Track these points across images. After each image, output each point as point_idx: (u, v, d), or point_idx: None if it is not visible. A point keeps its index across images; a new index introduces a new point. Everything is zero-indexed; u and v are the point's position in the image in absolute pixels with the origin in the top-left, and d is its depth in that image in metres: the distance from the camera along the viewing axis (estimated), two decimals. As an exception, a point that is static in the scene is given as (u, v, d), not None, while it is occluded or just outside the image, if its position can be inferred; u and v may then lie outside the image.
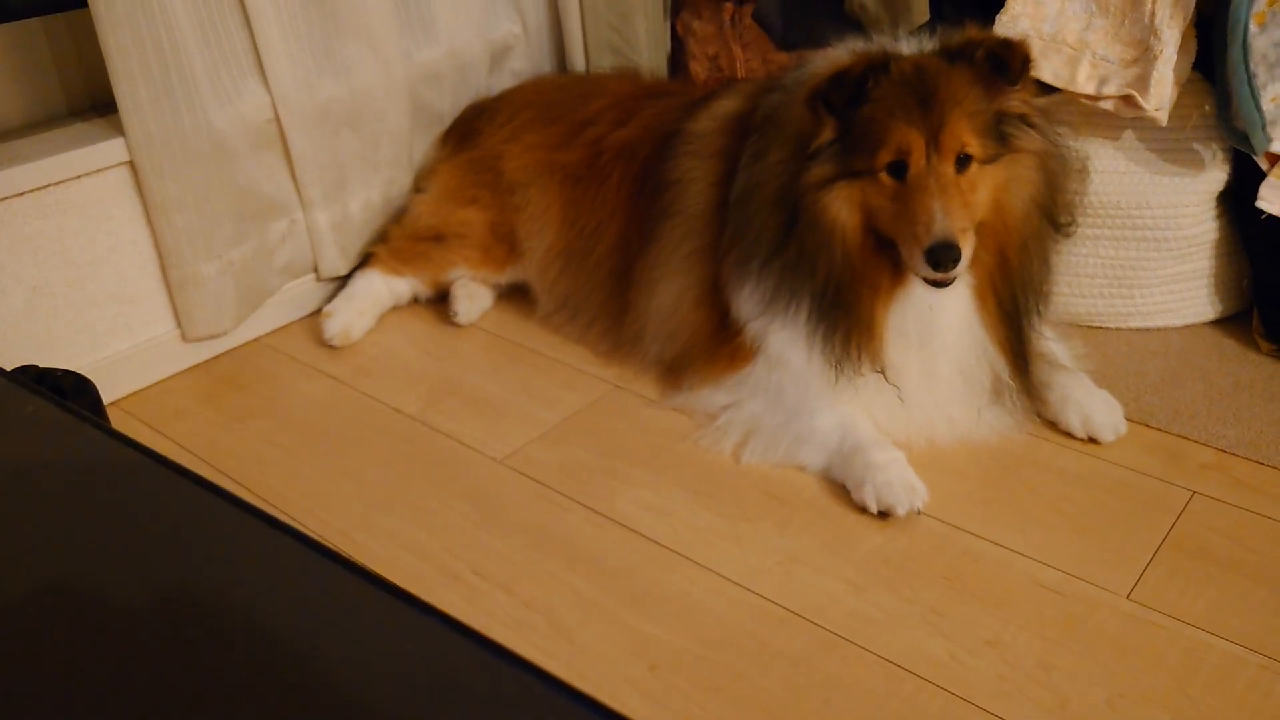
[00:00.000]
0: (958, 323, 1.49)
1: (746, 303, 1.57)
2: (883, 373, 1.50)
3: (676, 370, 1.73)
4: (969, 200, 1.38)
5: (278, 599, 0.55)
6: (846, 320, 1.47)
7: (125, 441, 0.65)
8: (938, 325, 1.49)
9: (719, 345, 1.63)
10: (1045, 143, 1.46)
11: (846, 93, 1.38)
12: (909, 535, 1.40)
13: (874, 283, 1.46)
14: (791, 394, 1.55)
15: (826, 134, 1.42)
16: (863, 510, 1.44)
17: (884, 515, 1.42)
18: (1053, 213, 1.49)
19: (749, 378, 1.60)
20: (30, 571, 0.58)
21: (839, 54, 1.45)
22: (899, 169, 1.38)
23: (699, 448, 1.60)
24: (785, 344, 1.54)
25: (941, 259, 1.33)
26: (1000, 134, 1.42)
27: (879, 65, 1.38)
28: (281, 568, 0.57)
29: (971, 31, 1.41)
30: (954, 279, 1.40)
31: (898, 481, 1.42)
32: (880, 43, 1.47)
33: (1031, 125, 1.44)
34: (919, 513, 1.42)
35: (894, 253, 1.42)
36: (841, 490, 1.49)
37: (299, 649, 0.52)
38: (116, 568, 0.58)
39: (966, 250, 1.36)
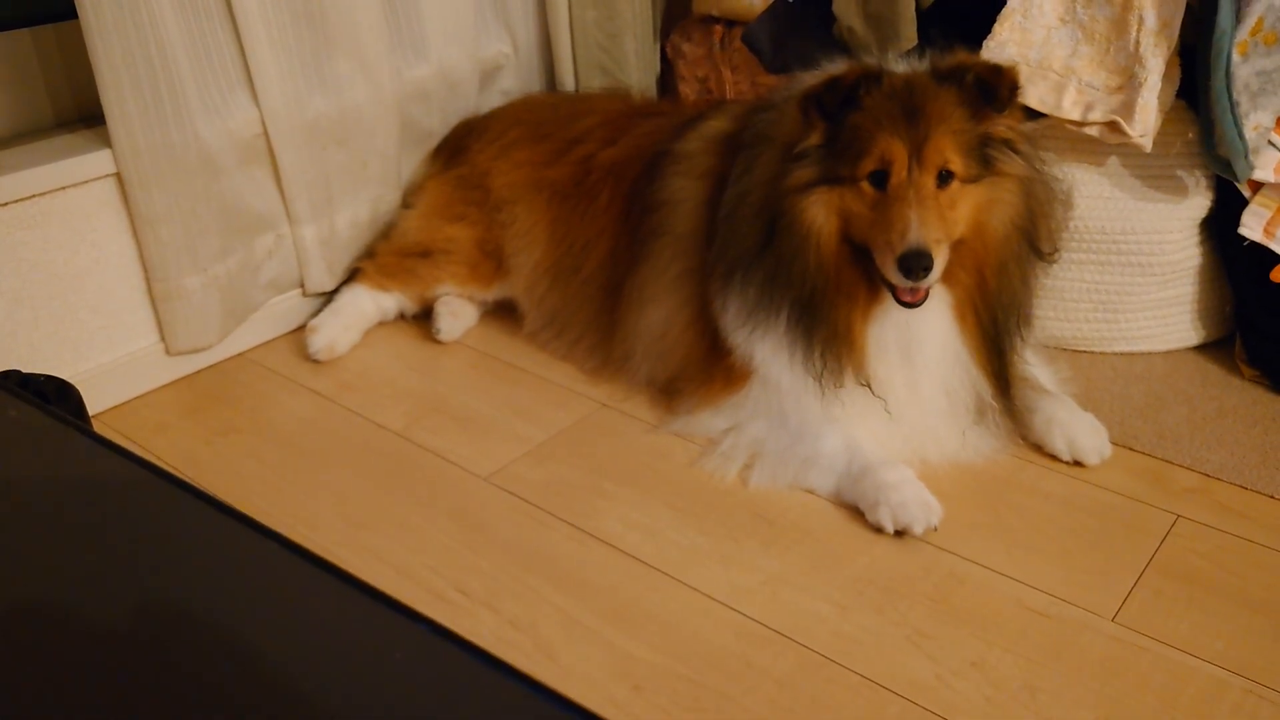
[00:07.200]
0: (938, 340, 1.50)
1: (731, 313, 1.57)
2: (868, 385, 1.50)
3: (670, 393, 1.73)
4: (946, 215, 1.40)
5: (261, 604, 0.55)
6: (824, 330, 1.48)
7: (108, 446, 0.65)
8: (918, 341, 1.49)
9: (712, 367, 1.63)
10: (1029, 169, 1.47)
11: (839, 96, 1.40)
12: (895, 557, 1.40)
13: (851, 293, 1.47)
14: (794, 417, 1.55)
15: (814, 138, 1.44)
16: (878, 531, 1.43)
17: (900, 535, 1.42)
18: (1034, 238, 1.50)
19: (747, 400, 1.59)
20: (9, 574, 0.57)
21: (833, 68, 1.47)
22: (880, 179, 1.40)
23: (685, 466, 1.59)
24: (769, 356, 1.54)
25: (913, 266, 1.35)
26: (984, 157, 1.43)
27: (873, 75, 1.41)
28: (265, 573, 0.56)
29: (962, 56, 1.43)
30: (924, 298, 1.42)
31: (913, 500, 1.42)
32: (873, 61, 1.49)
33: (1017, 151, 1.46)
34: (935, 529, 1.42)
35: (870, 265, 1.43)
36: (828, 511, 1.49)
37: (283, 654, 0.52)
38: (99, 571, 0.57)
39: (939, 261, 1.37)
